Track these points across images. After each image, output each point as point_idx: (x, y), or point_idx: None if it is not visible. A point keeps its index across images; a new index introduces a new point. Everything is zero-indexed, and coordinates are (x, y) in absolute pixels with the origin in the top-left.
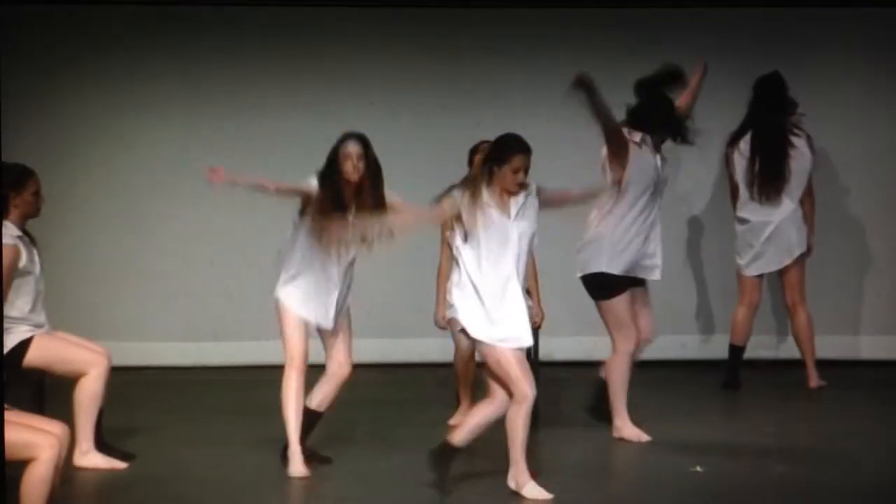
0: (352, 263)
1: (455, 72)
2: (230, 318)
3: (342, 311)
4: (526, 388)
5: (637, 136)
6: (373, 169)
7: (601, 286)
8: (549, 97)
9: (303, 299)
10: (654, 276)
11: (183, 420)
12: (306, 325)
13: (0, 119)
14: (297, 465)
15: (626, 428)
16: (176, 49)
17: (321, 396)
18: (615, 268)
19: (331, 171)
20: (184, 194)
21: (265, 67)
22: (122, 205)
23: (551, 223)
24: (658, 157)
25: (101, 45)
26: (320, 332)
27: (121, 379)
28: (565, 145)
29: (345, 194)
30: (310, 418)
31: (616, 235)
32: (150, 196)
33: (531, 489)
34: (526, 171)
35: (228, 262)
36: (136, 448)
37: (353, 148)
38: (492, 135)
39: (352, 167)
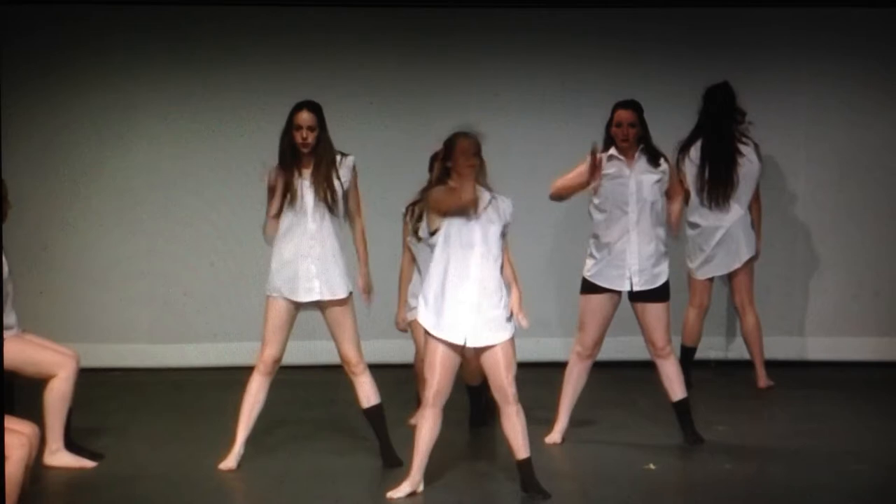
0: (324, 226)
1: (454, 72)
2: (230, 318)
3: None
4: (427, 393)
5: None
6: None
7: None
8: (547, 98)
9: (278, 274)
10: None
11: (176, 421)
12: (287, 316)
13: (0, 119)
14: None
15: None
16: (175, 49)
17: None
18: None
19: (286, 139)
20: (183, 195)
21: (264, 67)
22: (121, 205)
23: (555, 226)
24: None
25: (100, 45)
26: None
27: (120, 380)
28: (563, 145)
29: (299, 159)
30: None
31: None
32: (149, 197)
33: (400, 490)
34: (477, 154)
35: (228, 262)
36: (123, 447)
37: (304, 117)
38: (491, 135)
39: (301, 138)
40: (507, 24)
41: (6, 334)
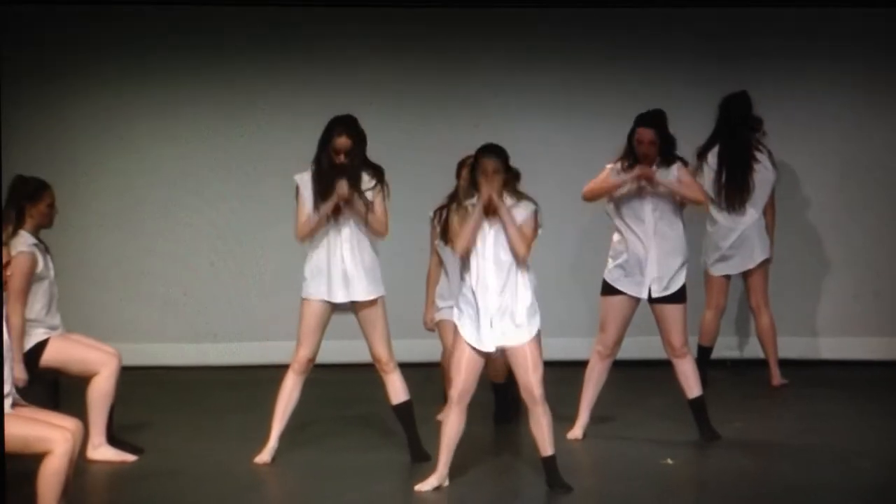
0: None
1: (454, 73)
2: (230, 318)
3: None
4: (453, 391)
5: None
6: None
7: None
8: (546, 98)
9: (313, 278)
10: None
11: (184, 418)
12: (322, 318)
13: (1, 120)
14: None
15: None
16: (175, 49)
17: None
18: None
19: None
20: (183, 195)
21: (265, 67)
22: (122, 206)
23: (561, 227)
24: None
25: (100, 46)
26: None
27: (121, 379)
28: (562, 145)
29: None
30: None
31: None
32: (150, 197)
33: (427, 484)
34: (495, 173)
35: (228, 262)
36: (141, 443)
37: (342, 142)
38: (491, 135)
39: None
40: (507, 23)
41: (53, 335)
